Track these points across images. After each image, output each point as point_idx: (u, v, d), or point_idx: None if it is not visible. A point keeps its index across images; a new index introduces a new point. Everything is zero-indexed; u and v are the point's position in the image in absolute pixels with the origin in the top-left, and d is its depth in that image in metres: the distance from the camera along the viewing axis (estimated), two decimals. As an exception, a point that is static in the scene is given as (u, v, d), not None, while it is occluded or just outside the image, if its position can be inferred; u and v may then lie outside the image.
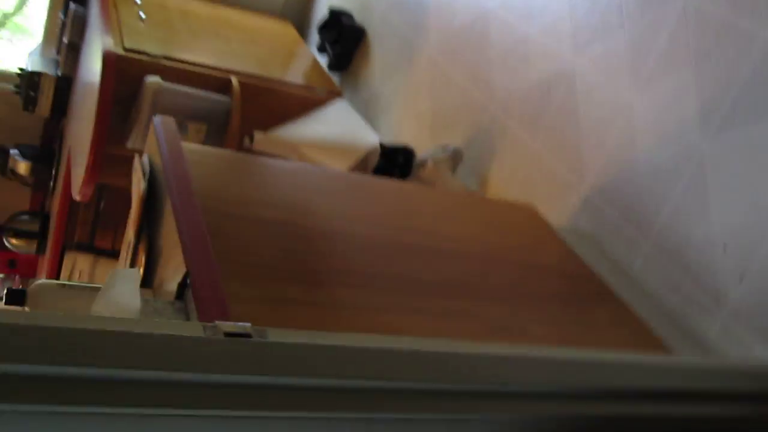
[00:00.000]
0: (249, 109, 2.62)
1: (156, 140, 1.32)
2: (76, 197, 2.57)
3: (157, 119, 1.36)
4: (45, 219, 3.54)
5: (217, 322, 0.82)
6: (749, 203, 1.31)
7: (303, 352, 0.80)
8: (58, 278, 3.33)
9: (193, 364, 0.72)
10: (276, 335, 0.82)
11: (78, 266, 3.25)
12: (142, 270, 1.18)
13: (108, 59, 2.37)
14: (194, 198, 1.15)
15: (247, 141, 2.61)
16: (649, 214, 1.51)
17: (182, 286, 0.97)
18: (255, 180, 1.38)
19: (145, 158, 1.34)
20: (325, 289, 1.10)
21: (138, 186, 1.26)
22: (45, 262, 3.39)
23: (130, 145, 2.45)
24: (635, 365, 0.99)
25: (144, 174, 1.27)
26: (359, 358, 0.82)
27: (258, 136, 2.59)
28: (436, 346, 0.89)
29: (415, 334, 1.06)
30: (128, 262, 1.24)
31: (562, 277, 1.42)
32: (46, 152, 3.48)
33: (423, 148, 2.42)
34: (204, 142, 2.49)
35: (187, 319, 0.93)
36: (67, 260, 3.28)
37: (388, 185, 1.57)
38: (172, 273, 1.05)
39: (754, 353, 1.24)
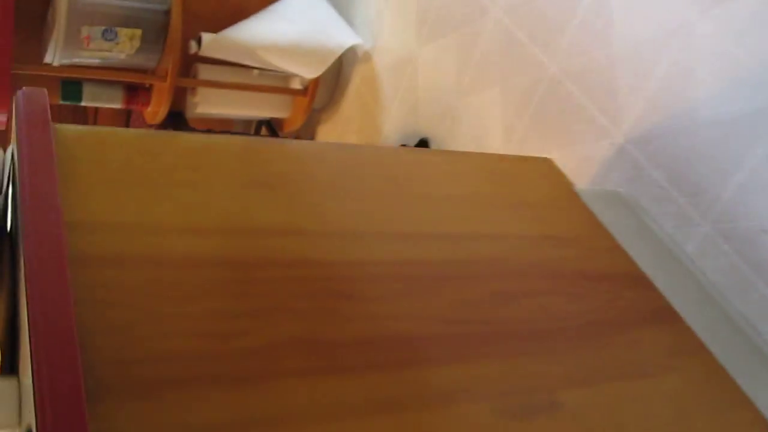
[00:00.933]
0: (194, 6, 2.13)
1: (15, 126, 0.91)
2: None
3: (22, 92, 0.95)
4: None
5: None
6: None
7: None
8: None
9: None
10: None
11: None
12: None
13: (5, -50, 1.86)
14: (62, 230, 0.77)
15: (193, 46, 2.14)
16: (711, 183, 1.13)
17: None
18: (183, 180, 0.98)
19: (8, 152, 0.94)
20: (253, 387, 0.75)
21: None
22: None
23: (48, 61, 2.00)
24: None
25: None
26: None
27: (207, 39, 2.12)
28: None
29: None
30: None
31: (596, 279, 1.07)
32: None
33: (408, 53, 1.97)
34: (139, 52, 2.04)
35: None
36: None
37: (396, 155, 1.17)
38: (29, 386, 0.69)
39: None
